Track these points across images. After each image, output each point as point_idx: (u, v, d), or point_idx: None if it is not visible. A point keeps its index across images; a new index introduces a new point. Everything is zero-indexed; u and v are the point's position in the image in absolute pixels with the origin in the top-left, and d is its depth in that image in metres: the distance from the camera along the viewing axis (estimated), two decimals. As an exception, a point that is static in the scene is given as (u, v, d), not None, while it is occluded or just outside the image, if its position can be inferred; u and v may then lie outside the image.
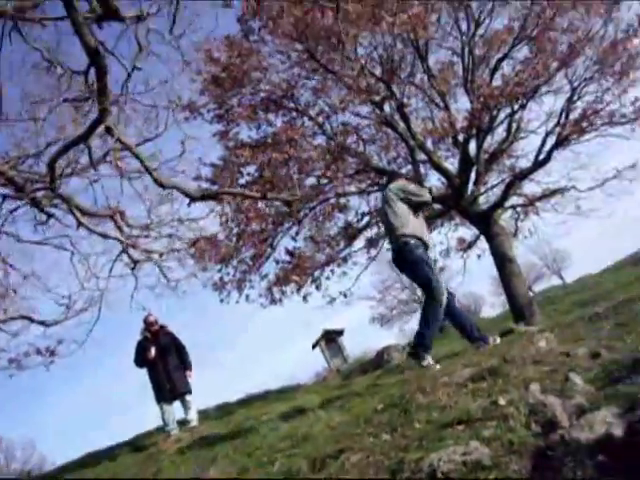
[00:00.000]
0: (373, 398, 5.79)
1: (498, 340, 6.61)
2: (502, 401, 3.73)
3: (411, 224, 6.87)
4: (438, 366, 6.28)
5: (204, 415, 12.72)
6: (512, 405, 3.63)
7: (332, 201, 16.00)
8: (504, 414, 3.55)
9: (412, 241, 6.79)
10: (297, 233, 15.96)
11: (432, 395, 4.50)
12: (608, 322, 5.02)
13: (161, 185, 10.67)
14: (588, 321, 5.54)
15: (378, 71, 14.36)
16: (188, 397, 10.91)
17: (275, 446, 5.55)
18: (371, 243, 16.70)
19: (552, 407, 3.43)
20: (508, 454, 3.14)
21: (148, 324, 11.07)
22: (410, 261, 6.82)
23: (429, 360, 6.51)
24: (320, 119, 15.08)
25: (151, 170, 10.41)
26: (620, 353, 3.98)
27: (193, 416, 10.99)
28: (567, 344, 4.73)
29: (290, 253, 15.71)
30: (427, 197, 7.08)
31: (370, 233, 16.78)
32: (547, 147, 15.47)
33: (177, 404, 10.94)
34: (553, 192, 16.68)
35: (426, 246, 6.92)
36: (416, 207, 7.01)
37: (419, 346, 6.63)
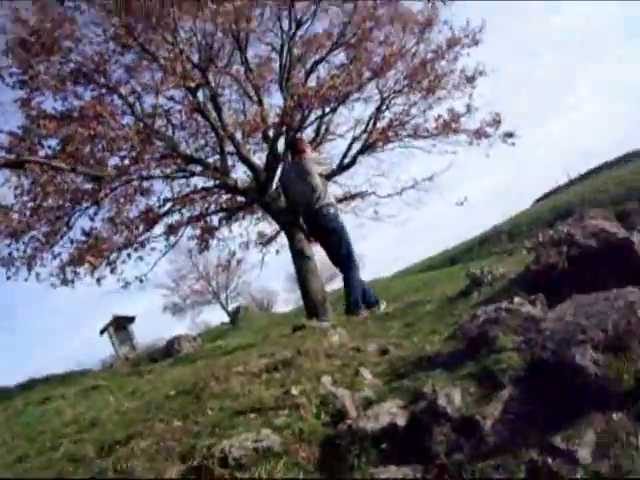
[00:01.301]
0: (164, 385, 5.72)
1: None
2: (294, 391, 3.83)
3: (329, 194, 7.27)
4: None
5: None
6: (304, 395, 3.74)
7: (135, 183, 15.52)
8: (296, 404, 3.65)
9: (332, 210, 7.10)
10: (96, 213, 15.27)
11: (225, 383, 4.52)
12: (397, 322, 5.31)
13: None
14: (379, 320, 5.83)
15: (196, 57, 14.16)
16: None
17: (60, 431, 5.30)
18: (171, 230, 16.38)
19: (342, 398, 3.58)
20: (298, 442, 3.23)
21: None
22: (331, 228, 7.10)
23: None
24: (131, 99, 14.57)
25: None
26: (407, 350, 4.23)
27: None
28: (358, 340, 4.95)
29: (86, 233, 15.02)
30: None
31: (171, 219, 16.47)
32: (353, 152, 16.00)
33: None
34: (354, 195, 17.27)
35: None
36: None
37: (357, 305, 7.45)
